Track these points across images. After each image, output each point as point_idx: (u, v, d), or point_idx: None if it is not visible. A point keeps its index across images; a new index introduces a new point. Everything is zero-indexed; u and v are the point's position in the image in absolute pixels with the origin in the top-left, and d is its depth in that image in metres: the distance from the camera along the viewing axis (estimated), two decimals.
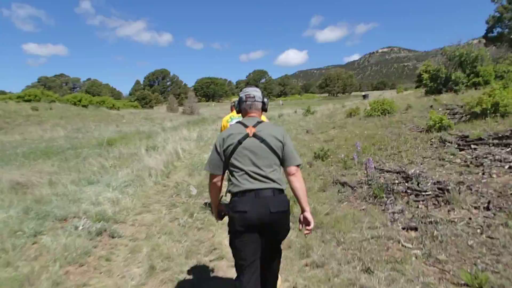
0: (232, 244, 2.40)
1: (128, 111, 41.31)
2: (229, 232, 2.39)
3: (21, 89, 75.28)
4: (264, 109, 2.68)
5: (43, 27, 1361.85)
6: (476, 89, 15.56)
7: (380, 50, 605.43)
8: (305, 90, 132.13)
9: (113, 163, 10.14)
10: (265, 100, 2.66)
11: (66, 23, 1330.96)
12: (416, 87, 36.39)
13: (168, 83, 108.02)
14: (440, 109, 12.87)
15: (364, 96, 37.13)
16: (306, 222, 2.44)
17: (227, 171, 2.46)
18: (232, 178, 2.39)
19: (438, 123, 9.09)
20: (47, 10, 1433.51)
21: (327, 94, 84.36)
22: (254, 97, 2.57)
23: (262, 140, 2.34)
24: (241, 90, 2.78)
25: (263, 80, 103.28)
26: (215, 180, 2.46)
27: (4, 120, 24.93)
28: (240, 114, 2.74)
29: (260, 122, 2.47)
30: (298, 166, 2.42)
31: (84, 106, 36.75)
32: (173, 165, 10.19)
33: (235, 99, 3.42)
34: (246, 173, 2.32)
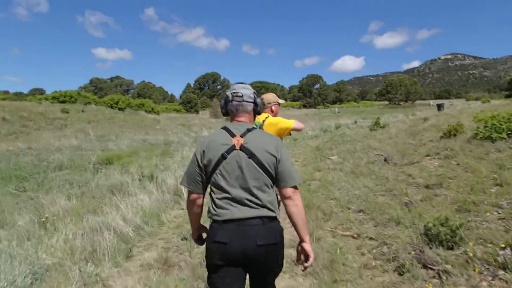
0: (208, 280, 1.96)
1: (167, 116, 38.13)
2: (206, 266, 1.96)
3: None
4: (257, 111, 2.13)
5: (111, 33, 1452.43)
6: None
7: (442, 57, 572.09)
8: (361, 97, 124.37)
9: (60, 213, 6.05)
10: (258, 100, 2.10)
11: (132, 29, 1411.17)
12: (507, 97, 29.90)
13: (218, 87, 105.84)
14: None
15: (439, 106, 30.83)
16: (304, 255, 2.00)
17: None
18: (212, 200, 1.94)
19: None
20: (115, 17, 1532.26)
21: (387, 102, 76.96)
22: (242, 96, 2.03)
23: (251, 155, 1.88)
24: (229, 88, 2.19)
25: (317, 86, 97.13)
26: (193, 197, 2.00)
27: (23, 123, 22.39)
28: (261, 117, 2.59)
29: (250, 129, 1.96)
30: (295, 187, 1.92)
31: (120, 109, 34.11)
32: (160, 219, 5.91)
33: (265, 95, 3.51)
34: (230, 196, 1.87)
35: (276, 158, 1.90)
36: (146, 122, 30.10)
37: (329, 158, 10.62)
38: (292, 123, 3.32)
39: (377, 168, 8.32)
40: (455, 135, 10.06)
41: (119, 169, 9.62)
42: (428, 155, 8.82)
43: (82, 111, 29.10)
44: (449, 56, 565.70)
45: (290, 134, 3.53)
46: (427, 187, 6.23)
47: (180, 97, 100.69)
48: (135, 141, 18.73)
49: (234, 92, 2.05)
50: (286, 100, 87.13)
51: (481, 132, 8.97)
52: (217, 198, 1.90)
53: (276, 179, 1.93)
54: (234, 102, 2.03)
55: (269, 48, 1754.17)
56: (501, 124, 8.72)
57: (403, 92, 75.00)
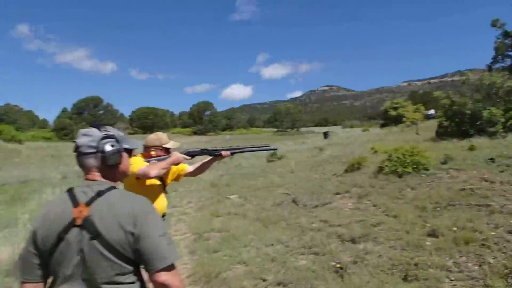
0: None
1: (32, 145, 32.31)
2: None
3: None
4: (109, 163, 1.42)
5: None
6: None
7: (320, 88, 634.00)
8: (250, 124, 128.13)
9: None
10: (108, 147, 1.41)
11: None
12: (382, 126, 32.91)
13: (100, 112, 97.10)
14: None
15: (325, 134, 32.35)
16: None
17: None
18: None
19: None
20: None
21: (275, 129, 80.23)
22: (77, 147, 1.41)
23: (96, 235, 1.29)
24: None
25: (208, 113, 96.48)
26: None
27: None
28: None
29: (101, 192, 1.35)
30: (170, 267, 1.34)
31: None
32: None
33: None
34: None
35: (133, 234, 1.30)
36: (4, 153, 24.70)
37: (228, 198, 9.13)
38: (137, 167, 2.56)
39: (287, 212, 7.07)
40: (358, 168, 9.57)
41: None
42: (338, 193, 7.96)
43: None
44: (325, 88, 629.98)
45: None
46: (353, 241, 5.11)
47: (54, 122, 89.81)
48: None
49: (76, 142, 1.42)
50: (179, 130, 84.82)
51: (386, 166, 8.53)
52: None
53: (142, 262, 1.34)
54: (78, 158, 1.43)
55: (159, 73, 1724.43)
56: (405, 158, 8.38)
57: (290, 120, 79.27)
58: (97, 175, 1.43)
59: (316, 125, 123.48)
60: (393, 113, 31.02)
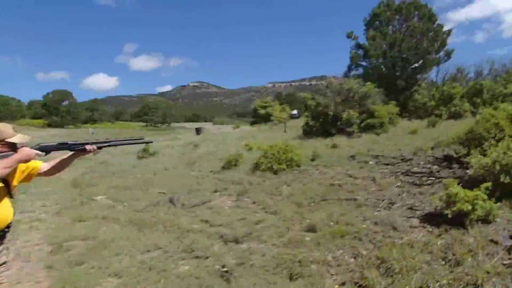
0: None
1: None
2: None
3: None
4: None
5: None
6: (375, 133, 12.34)
7: (191, 84, 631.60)
8: (116, 117, 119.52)
9: None
10: None
11: None
12: (252, 123, 34.31)
13: None
14: (372, 162, 8.64)
15: (198, 130, 32.21)
16: None
17: None
18: None
19: (472, 205, 4.41)
20: None
21: (144, 124, 76.29)
22: None
23: None
24: None
25: (65, 102, 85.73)
26: None
27: None
28: None
29: None
30: None
31: None
32: None
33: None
34: None
35: None
36: None
37: (94, 199, 8.08)
38: None
39: (163, 213, 6.55)
40: (235, 165, 9.58)
41: None
42: (216, 191, 7.78)
43: None
44: (196, 84, 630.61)
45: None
46: (236, 241, 4.94)
47: None
48: None
49: None
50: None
51: (262, 163, 8.71)
52: None
53: None
54: None
55: (3, 54, 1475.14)
56: (280, 155, 8.69)
57: (160, 115, 76.46)
58: None
59: (187, 121, 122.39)
60: (262, 111, 32.65)
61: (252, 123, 33.64)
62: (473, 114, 15.64)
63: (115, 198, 7.97)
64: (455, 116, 15.33)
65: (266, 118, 32.63)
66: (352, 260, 4.13)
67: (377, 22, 21.70)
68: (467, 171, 6.89)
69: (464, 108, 15.54)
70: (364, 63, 21.83)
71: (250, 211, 6.18)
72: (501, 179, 5.23)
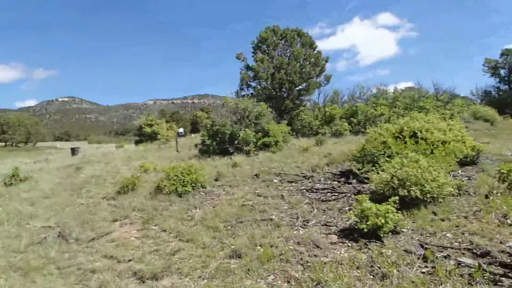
0: None
1: None
2: None
3: None
4: None
5: None
6: (271, 151, 12.72)
7: (60, 99, 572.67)
8: None
9: None
10: None
11: None
12: (137, 142, 32.22)
13: None
14: (276, 180, 8.80)
15: (73, 150, 28.99)
16: None
17: None
18: None
19: (384, 218, 4.79)
20: None
21: (3, 144, 65.09)
22: None
23: None
24: None
25: None
26: None
27: None
28: None
29: None
30: None
31: None
32: None
33: None
34: None
35: None
36: None
37: None
38: None
39: (54, 252, 5.48)
40: (133, 189, 8.73)
41: None
42: (116, 220, 6.90)
43: None
44: (66, 99, 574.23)
45: None
46: (154, 278, 4.36)
47: None
48: None
49: None
50: None
51: (165, 186, 8.11)
52: None
53: None
54: None
55: None
56: (184, 176, 8.22)
57: (23, 133, 66.58)
58: None
59: (56, 140, 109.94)
60: (148, 129, 31.05)
61: (137, 142, 31.65)
62: (352, 132, 17.51)
63: None
64: (337, 134, 16.94)
65: (152, 137, 31.18)
66: (286, 284, 3.98)
67: (265, 46, 22.88)
68: (364, 185, 7.50)
69: (344, 127, 17.31)
70: (253, 84, 22.72)
71: (161, 241, 5.59)
72: (400, 192, 5.78)
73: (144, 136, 31.26)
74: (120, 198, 8.29)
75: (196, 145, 20.19)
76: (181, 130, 24.81)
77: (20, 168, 13.37)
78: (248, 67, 22.91)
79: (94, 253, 5.37)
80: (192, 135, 37.23)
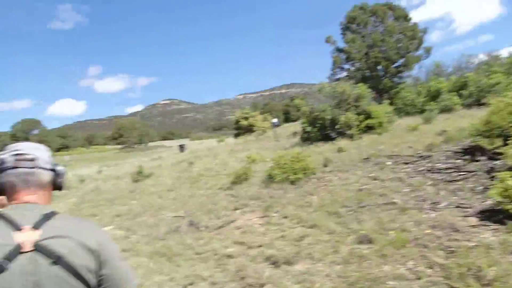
0: None
1: None
2: None
3: None
4: (58, 185, 1.30)
5: None
6: (376, 133, 12.20)
7: (161, 102, 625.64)
8: (89, 142, 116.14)
9: None
10: (60, 168, 1.31)
11: None
12: (236, 135, 33.80)
13: None
14: (389, 162, 8.40)
15: (181, 147, 31.49)
16: None
17: None
18: None
19: None
20: None
21: (120, 146, 74.06)
22: (33, 159, 1.23)
23: (57, 259, 1.07)
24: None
25: (35, 131, 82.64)
26: None
27: None
28: None
29: (48, 215, 1.15)
30: None
31: None
32: None
33: None
34: None
35: (97, 257, 1.13)
36: None
37: None
38: None
39: (190, 238, 6.01)
40: (246, 179, 9.13)
41: None
42: (236, 209, 7.29)
43: None
44: (167, 101, 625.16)
45: None
46: (288, 263, 4.49)
47: None
48: None
49: (19, 154, 1.22)
50: None
51: (277, 174, 8.30)
52: None
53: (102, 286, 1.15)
54: (19, 170, 1.21)
55: None
56: (293, 164, 8.32)
57: (136, 135, 74.65)
58: (37, 196, 1.23)
59: (162, 139, 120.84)
60: (244, 122, 32.30)
61: (236, 135, 33.19)
62: (464, 106, 15.90)
63: (125, 228, 7.36)
64: (446, 110, 15.52)
65: (248, 129, 32.32)
66: (430, 270, 3.77)
67: (354, 25, 21.93)
68: (495, 162, 6.73)
69: (453, 102, 15.76)
70: (347, 66, 21.98)
71: (285, 227, 5.73)
72: None
73: (241, 129, 32.58)
74: (235, 188, 8.75)
75: (294, 134, 20.36)
76: (275, 120, 25.29)
77: (142, 166, 14.95)
78: (339, 50, 22.20)
79: (225, 239, 5.74)
80: (286, 124, 37.66)
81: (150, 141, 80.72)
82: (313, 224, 5.56)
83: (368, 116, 12.62)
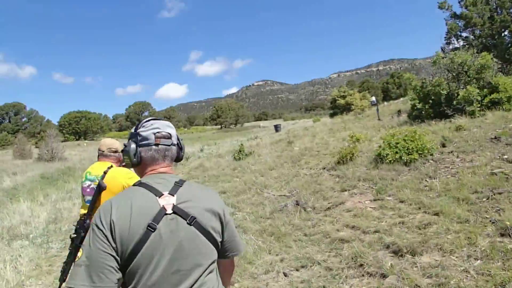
0: None
1: None
2: None
3: None
4: (179, 157, 1.52)
5: None
6: (498, 109, 10.53)
7: (255, 83, 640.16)
8: (190, 123, 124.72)
9: None
10: (182, 143, 1.53)
11: None
12: (332, 115, 32.82)
13: (23, 119, 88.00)
14: None
15: (277, 127, 31.66)
16: None
17: None
18: None
19: None
20: None
21: (219, 126, 77.95)
22: (170, 137, 1.44)
23: (192, 221, 1.26)
24: (138, 124, 1.47)
25: (146, 113, 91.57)
26: None
27: None
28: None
29: (178, 183, 1.34)
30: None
31: None
32: None
33: (109, 140, 2.93)
34: None
35: (221, 220, 1.34)
36: None
37: None
38: None
39: (298, 219, 5.81)
40: (351, 159, 8.59)
41: None
42: (344, 190, 6.87)
43: None
44: (261, 83, 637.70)
45: None
46: (411, 253, 3.98)
47: None
48: None
49: (158, 131, 1.41)
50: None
51: (387, 154, 7.60)
52: None
53: (222, 249, 1.39)
54: (160, 146, 1.41)
55: (86, 76, 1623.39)
56: (407, 144, 7.52)
57: (233, 116, 77.67)
58: (169, 167, 1.44)
59: (256, 120, 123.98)
60: (341, 101, 31.08)
61: (332, 115, 32.16)
62: None
63: (231, 204, 7.45)
64: None
65: (346, 108, 31.06)
66: None
67: None
68: None
69: None
70: (464, 34, 19.35)
71: (404, 213, 5.16)
72: None
73: (338, 108, 31.43)
74: (340, 168, 8.28)
75: (398, 112, 18.84)
76: (373, 98, 23.84)
77: (234, 144, 15.24)
78: (455, 16, 19.62)
79: (335, 222, 5.40)
80: (385, 103, 35.27)
81: (245, 122, 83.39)
82: (437, 210, 4.89)
83: (494, 89, 10.91)
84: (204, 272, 1.27)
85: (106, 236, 1.18)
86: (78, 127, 79.47)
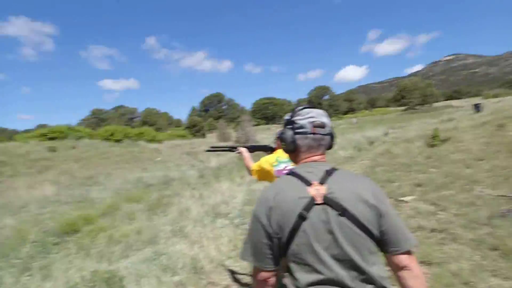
0: None
1: (170, 144, 34.01)
2: None
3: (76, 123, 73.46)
4: (330, 146, 1.52)
5: (116, 64, 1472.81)
6: None
7: (444, 59, 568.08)
8: (371, 105, 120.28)
9: None
10: (333, 131, 1.52)
11: (135, 59, 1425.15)
12: None
13: (224, 107, 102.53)
14: None
15: (477, 106, 26.99)
16: None
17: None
18: (293, 283, 1.27)
19: None
20: (118, 48, 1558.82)
21: (403, 108, 72.02)
22: (324, 126, 1.46)
23: (343, 211, 1.26)
24: (293, 112, 1.53)
25: (326, 97, 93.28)
26: (263, 277, 1.33)
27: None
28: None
29: (329, 172, 1.35)
30: (410, 252, 1.28)
31: (117, 141, 29.89)
32: None
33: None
34: (325, 277, 1.22)
35: (376, 209, 1.27)
36: (145, 154, 26.14)
37: (402, 201, 6.77)
38: None
39: None
40: None
41: (73, 254, 5.91)
42: None
43: (73, 148, 25.53)
44: (450, 57, 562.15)
45: None
46: None
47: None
48: (128, 182, 15.09)
49: (314, 120, 1.44)
50: None
51: None
52: (303, 281, 1.22)
53: (382, 242, 1.29)
54: (315, 136, 1.44)
55: (271, 65, 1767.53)
56: None
57: (419, 96, 70.33)
58: (322, 156, 1.46)
59: (447, 99, 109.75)
60: None
61: None
62: None
63: (430, 201, 6.40)
64: None
65: None
66: None
67: None
68: None
69: None
70: None
71: None
72: None
73: None
74: None
75: None
76: None
77: (422, 127, 13.34)
78: None
79: None
80: None
81: (434, 102, 74.49)
82: None
83: None
84: (363, 262, 1.24)
85: (262, 225, 1.29)
86: (267, 112, 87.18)
